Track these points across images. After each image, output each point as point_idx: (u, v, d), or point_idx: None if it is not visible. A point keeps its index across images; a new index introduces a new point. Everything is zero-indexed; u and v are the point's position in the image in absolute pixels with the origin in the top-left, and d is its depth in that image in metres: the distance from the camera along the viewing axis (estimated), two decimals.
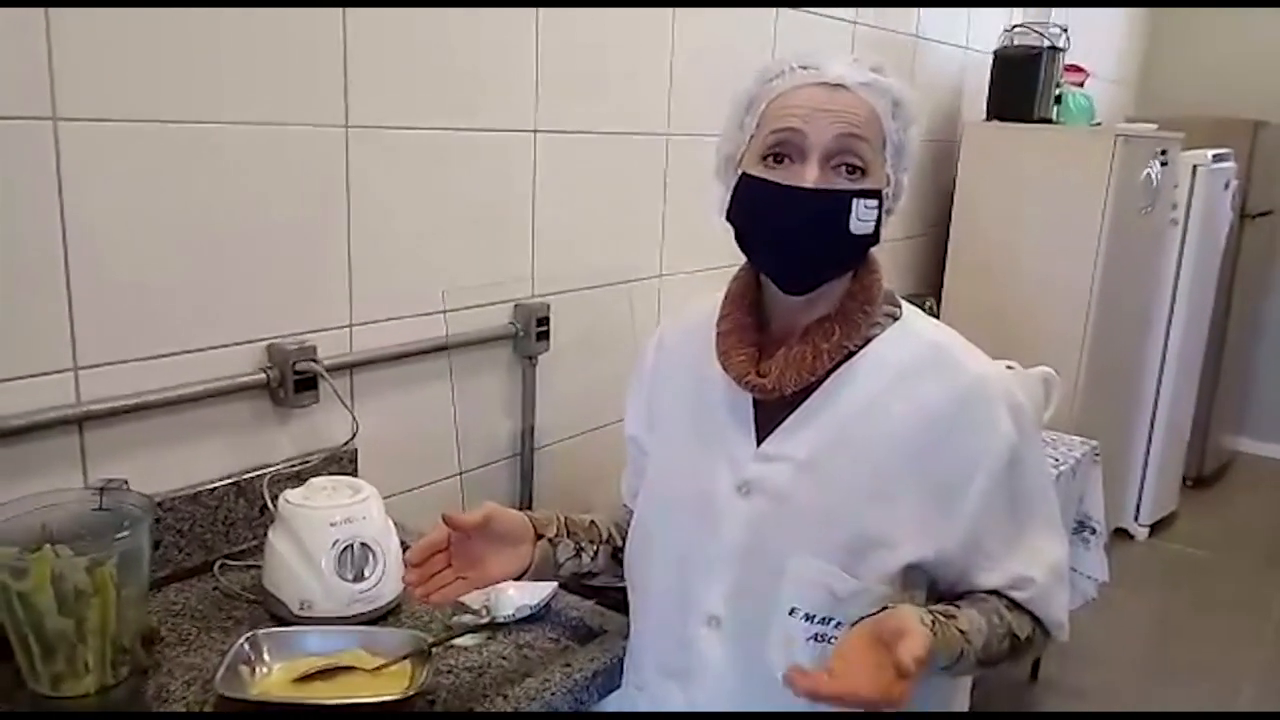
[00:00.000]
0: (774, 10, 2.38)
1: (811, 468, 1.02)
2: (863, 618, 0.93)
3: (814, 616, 0.99)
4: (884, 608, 0.93)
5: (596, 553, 1.19)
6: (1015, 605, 1.03)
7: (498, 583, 1.12)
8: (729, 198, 1.05)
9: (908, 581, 1.01)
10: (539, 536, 1.14)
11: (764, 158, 1.00)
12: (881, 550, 0.99)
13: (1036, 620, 1.05)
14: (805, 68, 1.00)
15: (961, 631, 0.95)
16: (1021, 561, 1.03)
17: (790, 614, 1.00)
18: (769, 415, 1.05)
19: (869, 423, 1.02)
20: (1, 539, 1.01)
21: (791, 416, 1.04)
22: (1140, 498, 3.97)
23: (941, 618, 0.95)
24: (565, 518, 1.18)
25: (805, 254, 1.00)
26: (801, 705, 1.01)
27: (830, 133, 0.97)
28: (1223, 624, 3.34)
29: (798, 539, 1.01)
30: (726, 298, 1.11)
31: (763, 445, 1.05)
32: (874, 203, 0.99)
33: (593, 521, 1.22)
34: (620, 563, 1.19)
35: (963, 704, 1.16)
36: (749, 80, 1.04)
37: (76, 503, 1.12)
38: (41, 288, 1.25)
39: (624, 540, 1.19)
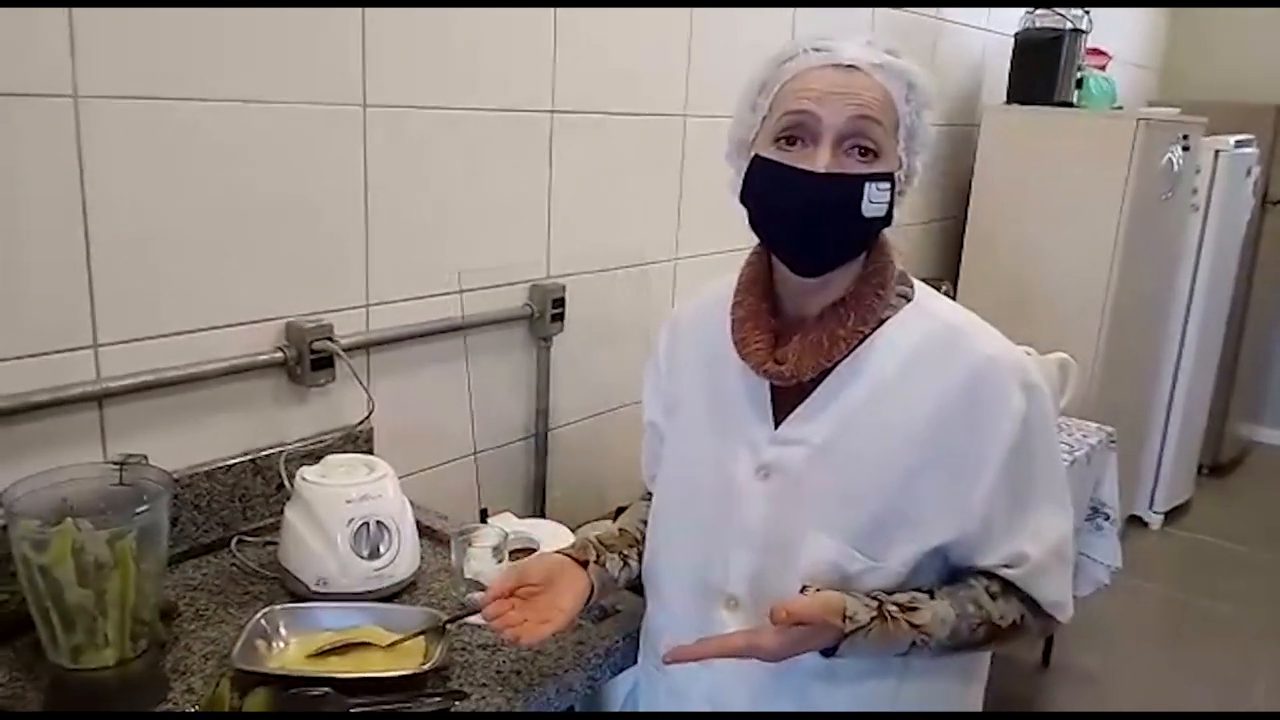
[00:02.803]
0: None
1: (828, 450, 1.03)
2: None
3: (823, 591, 0.99)
4: (878, 595, 0.97)
5: (640, 555, 1.20)
6: (1007, 588, 1.03)
7: (576, 614, 1.11)
8: (742, 180, 1.05)
9: (922, 564, 1.02)
10: (583, 563, 1.14)
11: (777, 140, 1.00)
12: (902, 531, 1.00)
13: (1032, 602, 1.05)
14: (819, 49, 1.00)
15: (915, 626, 0.97)
16: (1021, 539, 1.02)
17: (801, 593, 1.00)
18: (786, 398, 1.06)
19: (884, 405, 1.02)
20: (23, 512, 1.02)
21: (807, 401, 1.04)
22: (1155, 485, 3.95)
23: (895, 611, 0.97)
24: (596, 538, 1.20)
25: (818, 237, 1.00)
26: (819, 698, 1.03)
27: (843, 115, 0.97)
28: (1236, 613, 3.33)
29: (812, 519, 1.02)
30: (740, 283, 1.11)
31: (780, 429, 1.05)
32: (886, 185, 0.99)
33: (621, 529, 1.23)
34: None
35: (977, 697, 1.17)
36: (762, 62, 1.04)
37: (97, 477, 1.13)
38: (63, 265, 1.26)
39: None
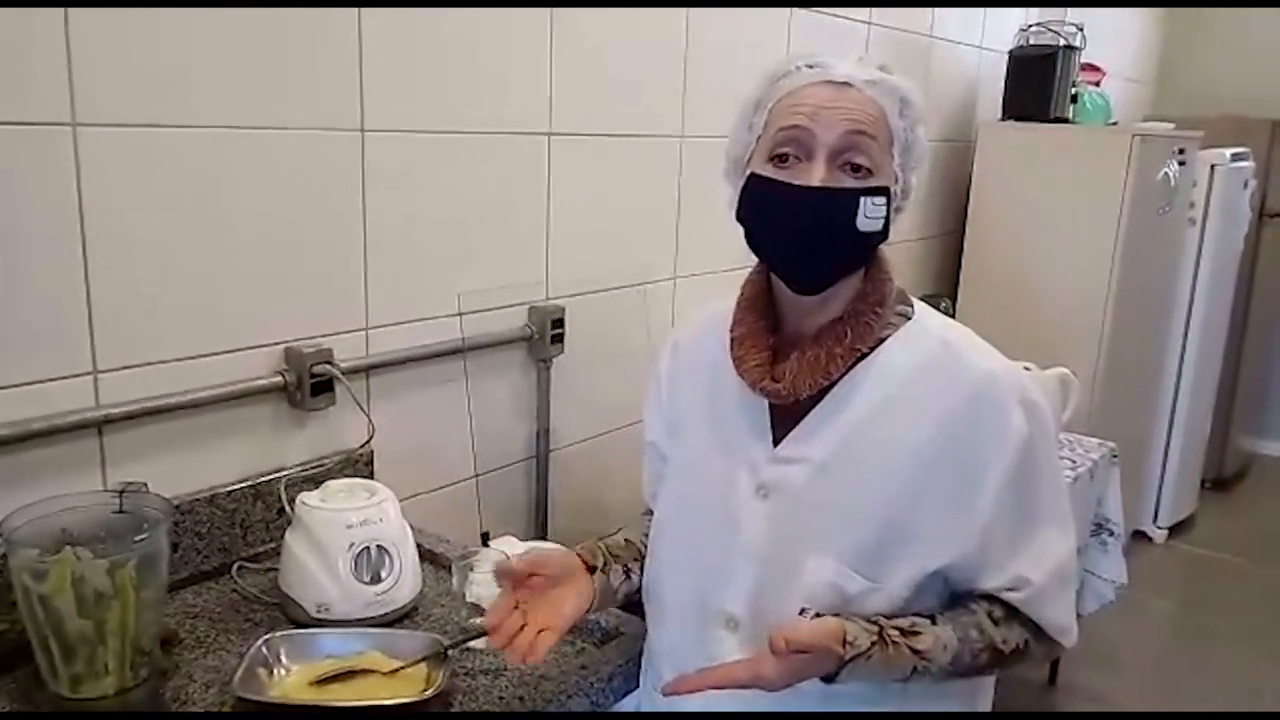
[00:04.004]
0: (788, 10, 2.38)
1: (828, 469, 1.02)
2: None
3: (823, 617, 0.99)
4: (878, 620, 0.96)
5: (641, 569, 1.19)
6: (1010, 612, 1.02)
7: (573, 622, 1.10)
8: (738, 198, 1.05)
9: (924, 586, 1.01)
10: (591, 569, 1.14)
11: (772, 157, 1.01)
12: (902, 551, 0.99)
13: (1035, 626, 1.03)
14: (812, 66, 1.01)
15: (917, 651, 0.96)
16: (1022, 561, 1.01)
17: (800, 614, 0.99)
18: (785, 416, 1.05)
19: (883, 424, 1.01)
20: (22, 541, 1.02)
21: (806, 419, 1.04)
22: (1159, 500, 3.94)
23: (896, 636, 0.96)
24: (605, 545, 1.19)
25: (814, 252, 1.00)
26: (813, 707, 1.02)
27: (837, 130, 0.97)
28: (1242, 627, 3.31)
29: (812, 538, 1.01)
30: (740, 302, 1.11)
31: (779, 447, 1.05)
32: (882, 200, 0.99)
33: (627, 540, 1.22)
34: None
35: (985, 705, 1.16)
36: (756, 80, 1.05)
37: (96, 505, 1.13)
38: (62, 292, 1.26)
39: None
